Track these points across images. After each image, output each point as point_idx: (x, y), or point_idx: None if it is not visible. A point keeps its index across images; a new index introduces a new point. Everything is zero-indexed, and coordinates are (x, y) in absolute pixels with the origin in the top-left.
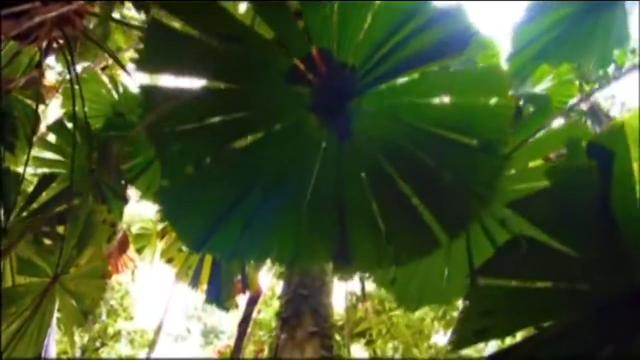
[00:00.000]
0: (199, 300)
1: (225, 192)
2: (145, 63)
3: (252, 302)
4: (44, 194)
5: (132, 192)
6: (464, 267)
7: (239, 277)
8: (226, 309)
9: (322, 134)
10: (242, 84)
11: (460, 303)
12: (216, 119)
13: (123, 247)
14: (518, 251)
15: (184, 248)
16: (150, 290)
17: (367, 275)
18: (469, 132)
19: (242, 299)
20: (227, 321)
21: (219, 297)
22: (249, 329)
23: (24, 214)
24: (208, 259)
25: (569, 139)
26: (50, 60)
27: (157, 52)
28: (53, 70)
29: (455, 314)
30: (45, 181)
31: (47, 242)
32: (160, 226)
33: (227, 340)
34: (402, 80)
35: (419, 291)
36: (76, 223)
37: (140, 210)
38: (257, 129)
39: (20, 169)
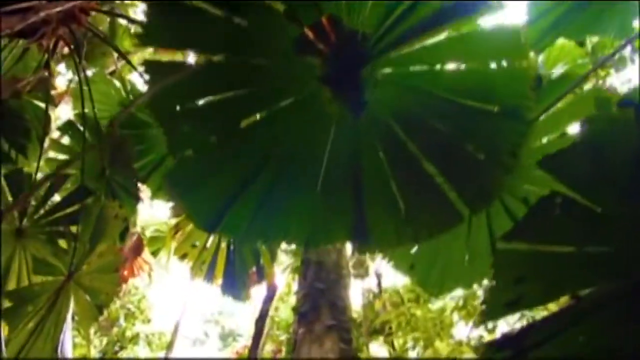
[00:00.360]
0: (217, 304)
1: (236, 170)
2: (149, 37)
3: (268, 300)
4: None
5: (146, 195)
6: (486, 249)
7: (254, 268)
8: (242, 300)
9: (334, 107)
10: (251, 57)
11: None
12: (224, 96)
13: (138, 250)
14: (551, 212)
15: (198, 243)
16: (168, 294)
17: (387, 259)
18: (488, 99)
19: (258, 297)
20: (245, 324)
21: (234, 289)
22: (266, 328)
23: (38, 214)
24: (222, 253)
25: (597, 98)
26: (61, 67)
27: (161, 25)
28: (64, 77)
29: (476, 303)
30: (57, 182)
31: (61, 241)
32: (173, 221)
33: (245, 342)
34: (415, 46)
35: (441, 275)
36: (88, 220)
37: (154, 214)
38: (267, 105)
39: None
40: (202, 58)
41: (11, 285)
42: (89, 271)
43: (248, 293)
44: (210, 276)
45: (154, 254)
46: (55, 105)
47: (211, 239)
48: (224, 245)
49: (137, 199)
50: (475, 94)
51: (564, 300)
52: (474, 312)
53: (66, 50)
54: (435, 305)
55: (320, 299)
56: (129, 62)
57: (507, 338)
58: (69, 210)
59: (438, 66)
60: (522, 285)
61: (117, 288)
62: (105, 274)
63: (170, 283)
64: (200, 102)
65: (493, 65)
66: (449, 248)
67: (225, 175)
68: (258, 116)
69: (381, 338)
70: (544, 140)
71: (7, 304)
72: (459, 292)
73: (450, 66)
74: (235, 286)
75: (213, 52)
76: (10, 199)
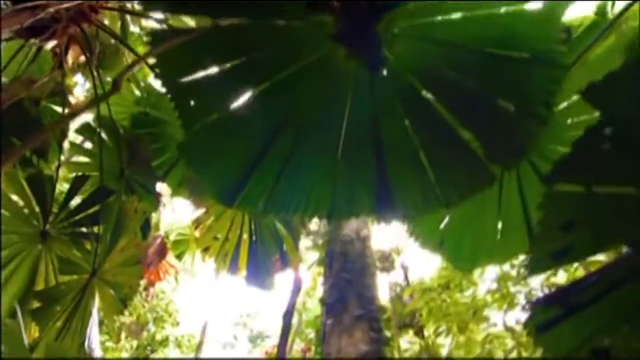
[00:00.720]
0: (244, 306)
1: (251, 140)
2: (155, 2)
3: (294, 293)
4: (77, 198)
5: (168, 200)
6: (520, 220)
7: (277, 255)
8: (267, 289)
9: (350, 66)
10: (260, 19)
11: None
12: (234, 63)
13: (162, 253)
14: (599, 146)
15: (219, 236)
16: (196, 296)
17: (414, 236)
18: (516, 46)
19: (284, 293)
20: (273, 325)
21: (258, 278)
22: (293, 323)
23: (60, 216)
24: (244, 243)
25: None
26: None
27: None
28: (82, 87)
29: (509, 283)
30: (78, 183)
31: (85, 242)
32: (194, 215)
33: (274, 342)
34: None
35: (472, 250)
36: (109, 218)
37: (177, 218)
38: (279, 69)
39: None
40: (209, 23)
41: (39, 286)
42: (112, 266)
43: (272, 281)
44: (234, 268)
45: (179, 257)
46: (71, 108)
47: (232, 230)
48: (246, 236)
49: (157, 195)
50: (501, 42)
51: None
52: (507, 296)
53: (82, 59)
54: (467, 292)
55: (347, 289)
56: (143, 60)
57: (554, 295)
58: (90, 211)
59: (459, 15)
60: (571, 233)
61: (139, 280)
62: (128, 267)
63: (198, 286)
64: (210, 71)
65: (515, 10)
66: (480, 220)
67: (240, 146)
68: (271, 82)
69: (411, 332)
70: (575, 97)
71: (36, 304)
72: (491, 275)
73: (472, 14)
74: (259, 275)
75: (221, 17)
76: (33, 201)
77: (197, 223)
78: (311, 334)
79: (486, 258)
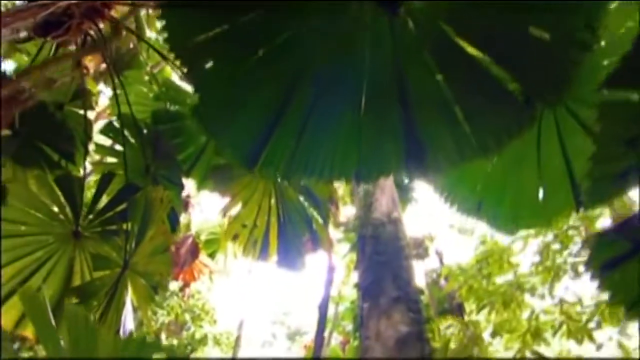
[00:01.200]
0: (281, 305)
1: (268, 98)
2: None
3: (328, 283)
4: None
5: (196, 202)
6: (562, 176)
7: (308, 236)
8: (298, 270)
9: (367, 10)
10: None
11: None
12: (245, 17)
13: (194, 253)
14: None
15: (247, 223)
16: (233, 295)
17: (449, 202)
18: None
19: (318, 285)
20: (311, 322)
21: (289, 261)
22: (329, 314)
23: (91, 215)
24: (273, 228)
25: None
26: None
27: None
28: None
29: (557, 257)
30: (104, 182)
31: (116, 238)
32: (223, 203)
33: (312, 337)
34: None
35: (513, 211)
36: (137, 213)
37: (207, 218)
38: (295, 21)
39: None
40: None
41: (76, 283)
42: (142, 257)
43: (303, 261)
44: (264, 254)
45: (211, 256)
46: (93, 108)
47: (260, 216)
48: (274, 219)
49: (182, 186)
50: None
51: None
52: (553, 269)
53: (103, 66)
54: (508, 266)
55: (382, 272)
56: (162, 56)
57: (620, 226)
58: (118, 208)
59: None
60: (636, 149)
61: (169, 268)
62: (157, 255)
63: (232, 284)
64: (223, 28)
65: None
66: (519, 176)
67: (257, 106)
68: (283, 35)
69: (450, 318)
70: (617, 33)
71: (74, 300)
72: (532, 248)
73: None
74: (289, 256)
75: None
76: (66, 205)
77: (224, 212)
78: (348, 326)
79: (528, 218)
